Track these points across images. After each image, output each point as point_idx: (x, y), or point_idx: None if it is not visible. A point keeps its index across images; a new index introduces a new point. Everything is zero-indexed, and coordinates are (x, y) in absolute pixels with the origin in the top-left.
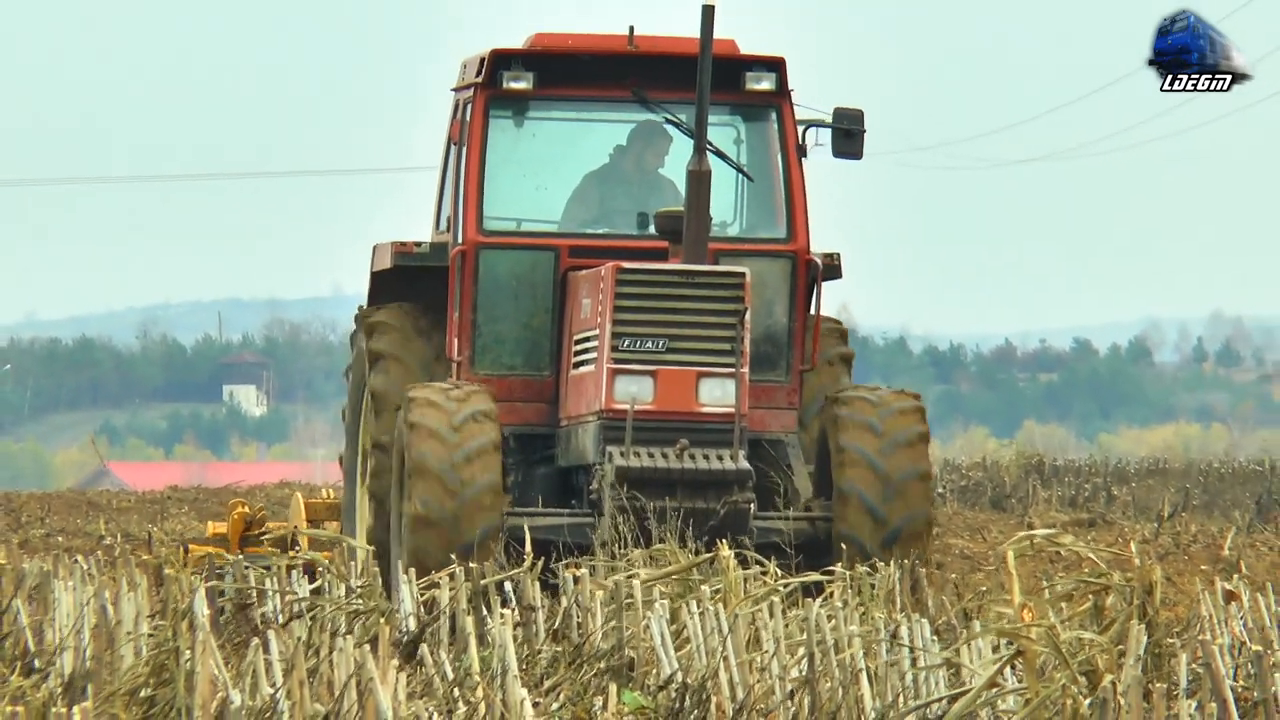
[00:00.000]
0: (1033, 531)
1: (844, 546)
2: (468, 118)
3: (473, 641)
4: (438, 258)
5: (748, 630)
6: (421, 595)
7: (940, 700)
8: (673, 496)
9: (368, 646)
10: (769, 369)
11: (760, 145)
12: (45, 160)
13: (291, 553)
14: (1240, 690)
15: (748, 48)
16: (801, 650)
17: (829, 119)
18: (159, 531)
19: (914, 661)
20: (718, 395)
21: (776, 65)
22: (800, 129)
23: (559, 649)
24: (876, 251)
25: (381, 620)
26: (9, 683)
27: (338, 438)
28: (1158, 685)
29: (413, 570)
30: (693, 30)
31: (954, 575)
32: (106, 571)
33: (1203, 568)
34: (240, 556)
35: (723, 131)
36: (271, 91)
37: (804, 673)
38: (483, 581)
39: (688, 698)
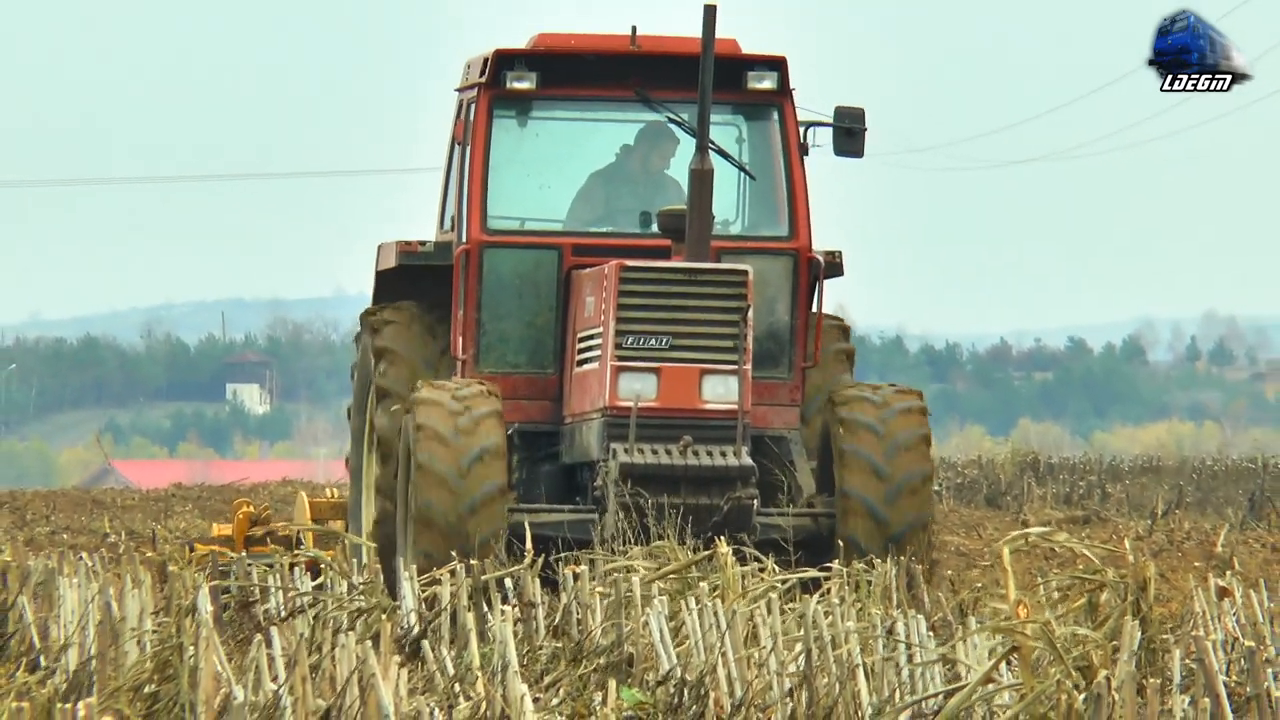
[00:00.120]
0: (1028, 529)
1: (844, 545)
2: (471, 117)
3: (474, 638)
4: (442, 257)
5: (746, 627)
6: (423, 592)
7: (936, 696)
8: (676, 493)
9: (370, 643)
10: (771, 366)
11: (762, 144)
12: (50, 161)
13: (295, 551)
14: (1233, 685)
15: (749, 47)
16: (799, 646)
17: (826, 119)
18: (163, 529)
19: (910, 657)
20: (720, 392)
21: (778, 64)
22: (801, 129)
23: (559, 645)
24: (873, 251)
25: (383, 617)
26: (15, 679)
27: (340, 436)
28: (1151, 681)
29: (414, 567)
30: (695, 30)
31: (950, 572)
32: (111, 569)
33: (1196, 564)
34: (243, 554)
35: (725, 130)
36: (275, 92)
37: (801, 669)
38: (483, 578)
39: (686, 693)
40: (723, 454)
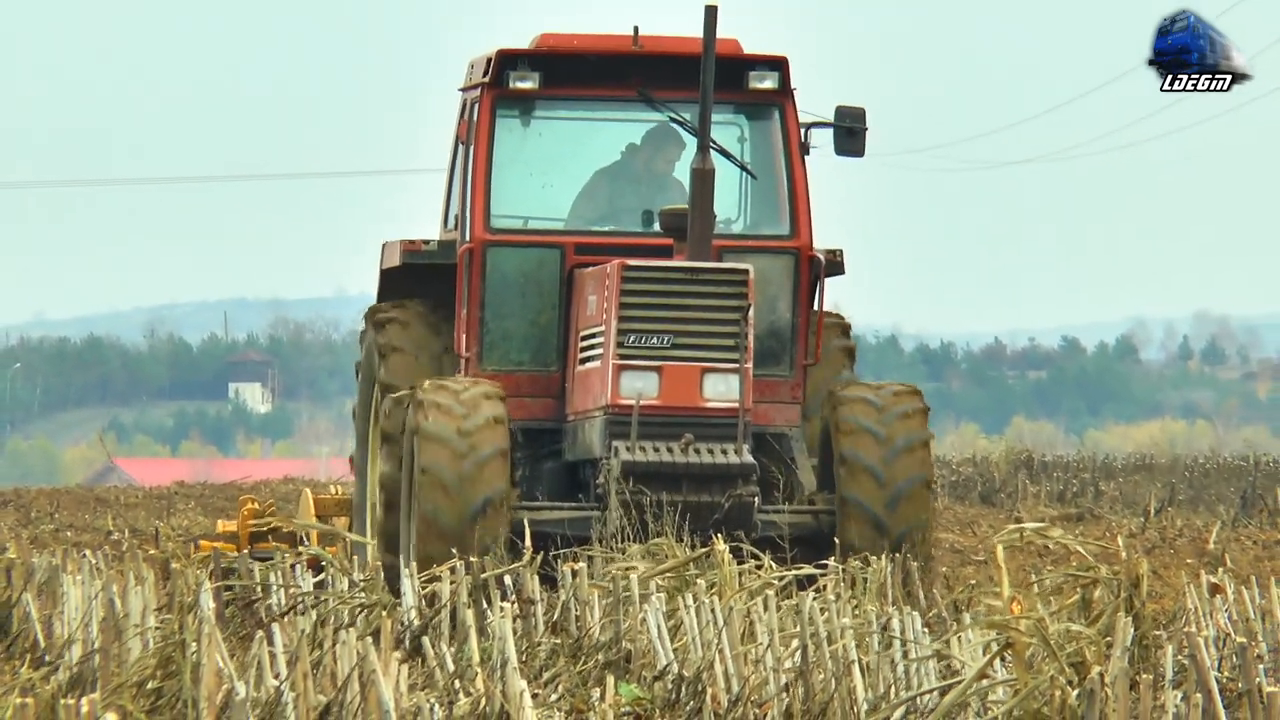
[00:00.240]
0: (1022, 526)
1: (842, 547)
2: (475, 117)
3: (473, 634)
4: (446, 255)
5: (742, 623)
6: (423, 589)
7: (931, 691)
8: (677, 491)
9: (370, 639)
10: (773, 364)
11: (763, 143)
12: (54, 163)
13: (299, 548)
14: (1225, 681)
15: (751, 47)
16: (795, 643)
17: (826, 119)
18: (166, 527)
19: (905, 654)
20: (722, 390)
21: (779, 64)
22: (802, 129)
23: (558, 642)
24: (868, 251)
25: (384, 614)
26: (19, 674)
27: (341, 434)
28: (1144, 676)
29: (414, 564)
30: (696, 30)
31: (945, 569)
32: (114, 566)
33: (1188, 561)
34: (244, 552)
35: (727, 130)
36: (277, 93)
37: (797, 665)
38: (483, 575)
39: (683, 689)
40: (724, 452)
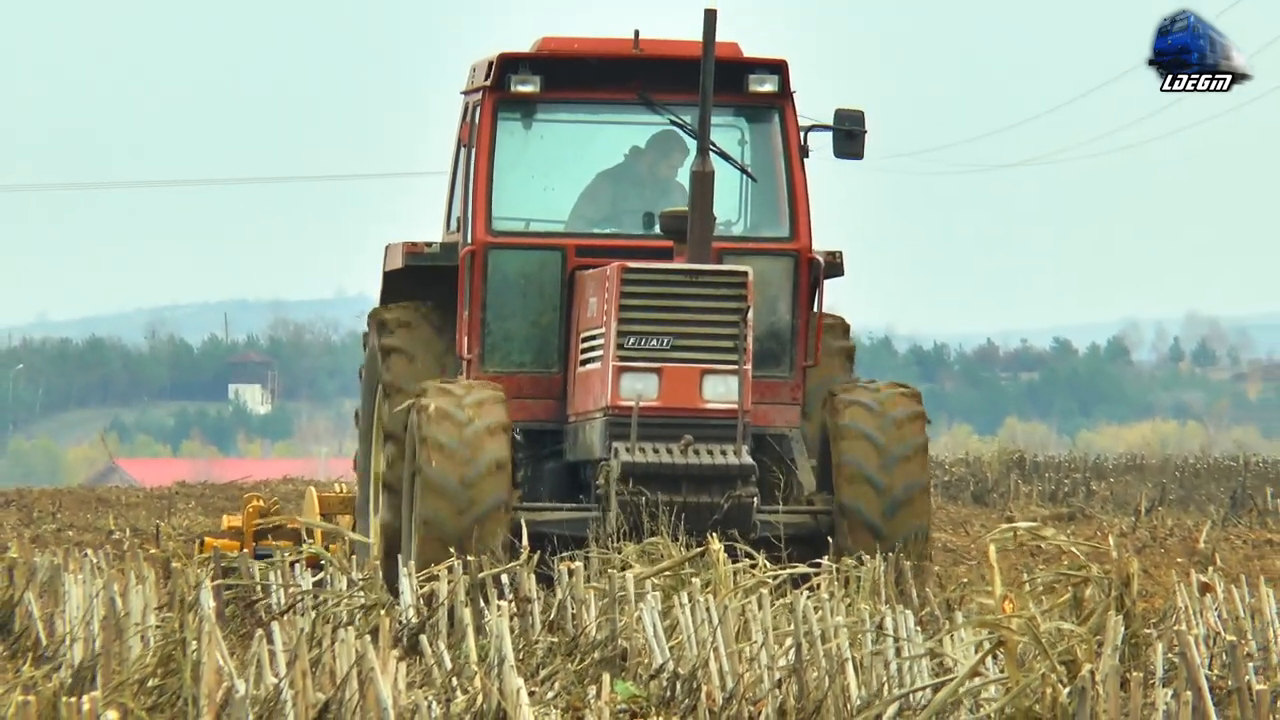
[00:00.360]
0: (1014, 525)
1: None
2: (477, 120)
3: (471, 633)
4: (448, 257)
5: (737, 622)
6: (421, 588)
7: (924, 689)
8: (677, 491)
9: (369, 638)
10: (773, 365)
11: (763, 146)
12: (57, 165)
13: (302, 546)
14: (1215, 679)
15: (750, 51)
16: (789, 641)
17: (825, 122)
18: (166, 526)
19: (898, 652)
20: (721, 392)
21: (779, 68)
22: (802, 132)
23: (554, 640)
24: (863, 253)
25: (382, 612)
26: (21, 673)
27: (340, 434)
28: (1135, 674)
29: (413, 563)
30: (696, 34)
31: (937, 568)
32: (115, 565)
33: (1178, 560)
34: (245, 551)
35: (727, 133)
36: (278, 97)
37: (791, 662)
38: (480, 575)
39: (678, 687)
40: (723, 453)
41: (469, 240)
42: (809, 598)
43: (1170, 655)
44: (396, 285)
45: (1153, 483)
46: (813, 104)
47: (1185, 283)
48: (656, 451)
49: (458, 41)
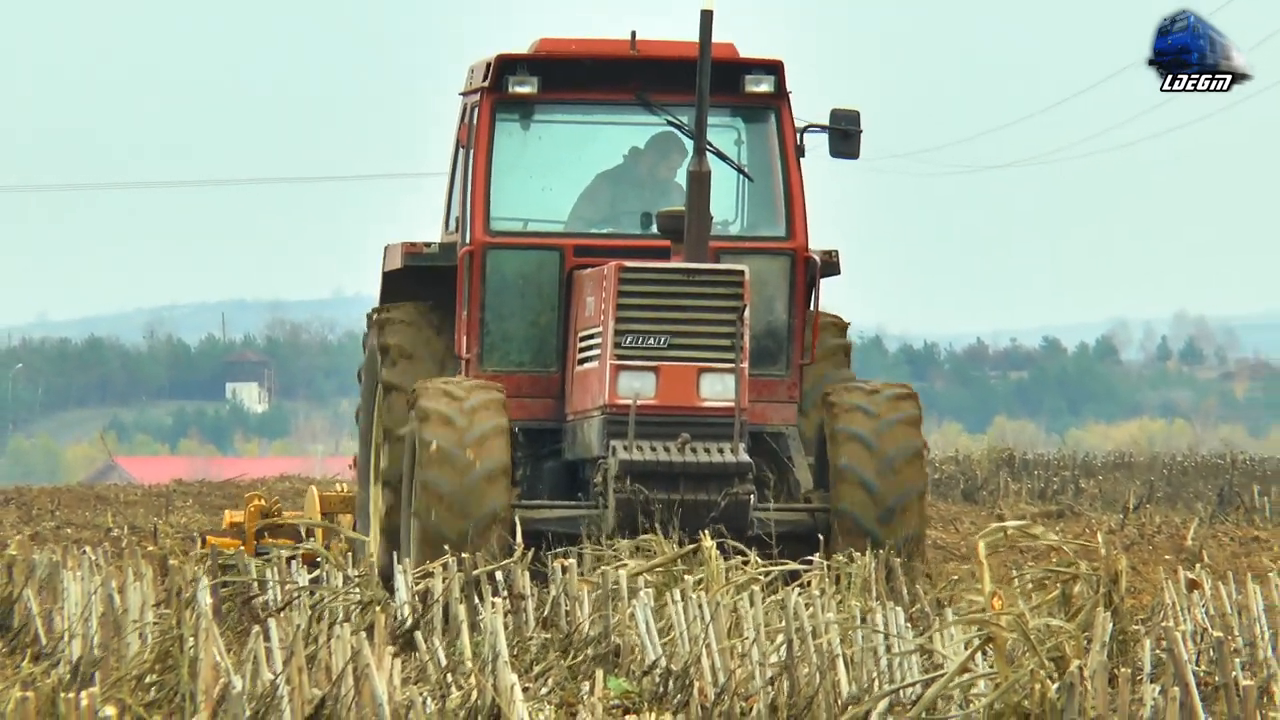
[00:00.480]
0: (1003, 523)
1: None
2: (475, 121)
3: (465, 629)
4: (447, 258)
5: (729, 618)
6: (416, 585)
7: (914, 685)
8: (675, 489)
9: (364, 634)
10: (770, 363)
11: (760, 146)
12: (56, 166)
13: (299, 544)
14: (1202, 675)
15: (747, 51)
16: (781, 637)
17: (819, 124)
18: (164, 524)
19: (889, 648)
20: (718, 390)
21: (775, 68)
22: (799, 133)
23: (548, 636)
24: (854, 253)
25: (378, 609)
26: (20, 669)
27: (336, 433)
28: (1123, 670)
29: (408, 560)
30: (693, 35)
31: (928, 572)
32: (114, 562)
33: (1166, 557)
34: (240, 548)
35: (723, 133)
36: (275, 98)
37: (783, 658)
38: (475, 571)
39: (671, 683)
40: (720, 451)
41: (467, 240)
42: (800, 594)
43: (1158, 651)
44: (396, 285)
45: (1141, 481)
46: (808, 104)
47: (1173, 283)
48: (654, 450)
49: (456, 43)
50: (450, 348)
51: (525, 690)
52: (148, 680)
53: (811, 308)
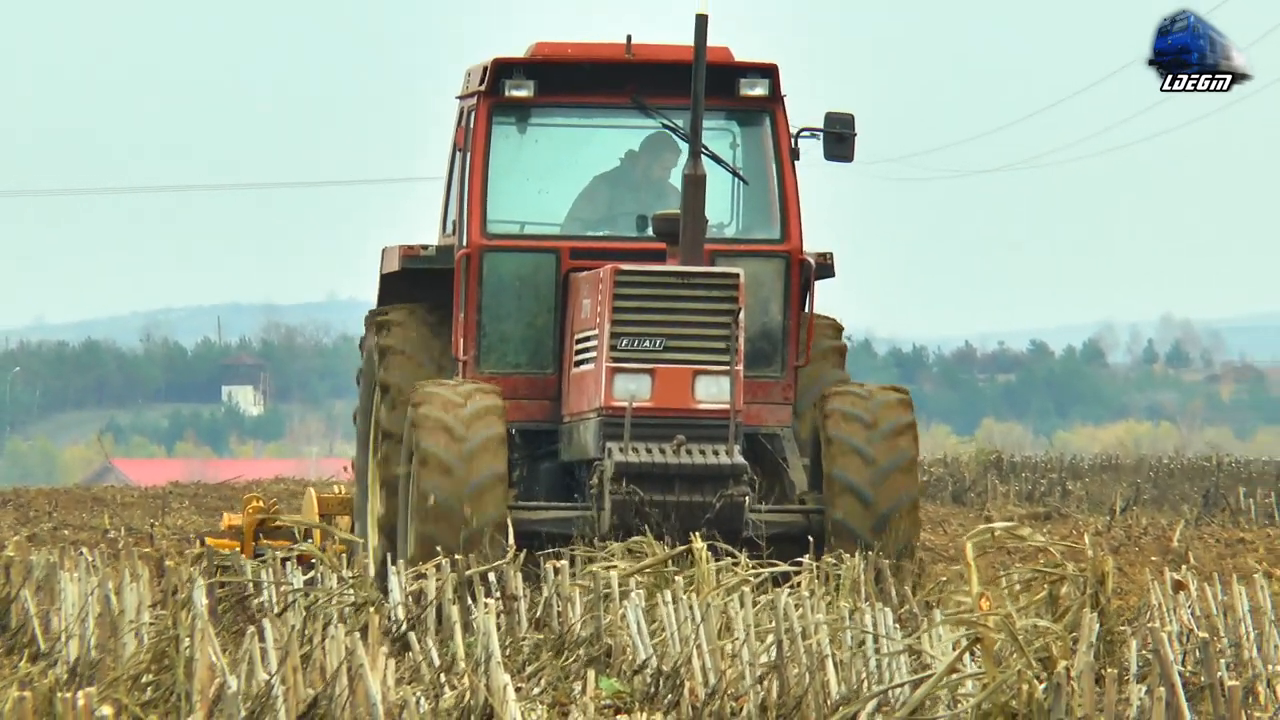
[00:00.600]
0: (991, 524)
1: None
2: (472, 124)
3: (458, 630)
4: (444, 260)
5: (719, 619)
6: (410, 586)
7: (902, 685)
8: (670, 491)
9: (358, 635)
10: (765, 365)
11: (755, 149)
12: (53, 171)
13: (295, 546)
14: (1188, 675)
15: (741, 55)
16: (770, 638)
17: (813, 127)
18: (160, 526)
19: (878, 649)
20: (713, 392)
21: (770, 71)
22: (794, 136)
23: (540, 637)
24: (844, 256)
25: (372, 610)
26: (18, 669)
27: (331, 435)
28: (1109, 670)
29: (402, 562)
30: (688, 39)
31: (917, 572)
32: (110, 564)
33: (1152, 559)
34: (237, 550)
35: (719, 136)
36: (273, 102)
37: (773, 659)
38: (468, 573)
39: (662, 683)
40: (715, 452)
41: (464, 243)
42: (790, 595)
43: (1144, 652)
44: (393, 288)
45: (1127, 482)
46: (803, 108)
47: (1160, 286)
48: (650, 451)
49: (453, 47)
50: (447, 349)
51: (518, 690)
52: (144, 680)
53: (806, 310)
